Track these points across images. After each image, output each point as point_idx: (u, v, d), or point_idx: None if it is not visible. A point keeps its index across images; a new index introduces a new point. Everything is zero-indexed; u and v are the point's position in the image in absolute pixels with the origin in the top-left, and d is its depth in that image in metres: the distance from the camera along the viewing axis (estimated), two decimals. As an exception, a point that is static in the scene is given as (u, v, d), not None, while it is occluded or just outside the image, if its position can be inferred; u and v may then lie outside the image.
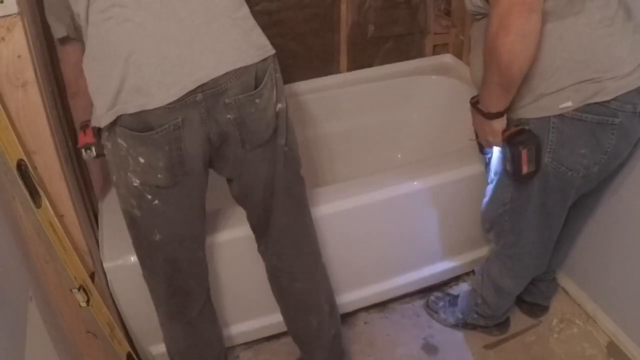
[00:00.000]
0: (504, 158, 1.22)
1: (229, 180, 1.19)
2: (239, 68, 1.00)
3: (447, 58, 2.14)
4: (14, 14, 0.88)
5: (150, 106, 0.95)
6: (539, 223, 1.31)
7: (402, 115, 2.08)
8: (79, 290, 1.10)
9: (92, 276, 1.16)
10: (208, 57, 0.98)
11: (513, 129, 1.17)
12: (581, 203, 1.37)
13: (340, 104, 1.97)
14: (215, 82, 0.99)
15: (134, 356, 1.34)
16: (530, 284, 1.54)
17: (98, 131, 1.03)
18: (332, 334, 1.43)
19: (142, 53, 0.94)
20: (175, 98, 0.95)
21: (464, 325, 1.65)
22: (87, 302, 1.12)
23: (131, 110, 0.95)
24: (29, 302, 0.94)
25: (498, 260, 1.45)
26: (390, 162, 2.06)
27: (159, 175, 1.03)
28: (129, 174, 1.03)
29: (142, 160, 1.00)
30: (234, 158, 1.11)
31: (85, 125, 1.06)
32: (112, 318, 1.23)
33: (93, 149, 1.06)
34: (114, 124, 0.97)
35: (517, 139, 1.15)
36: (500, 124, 1.18)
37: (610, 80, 1.07)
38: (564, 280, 1.75)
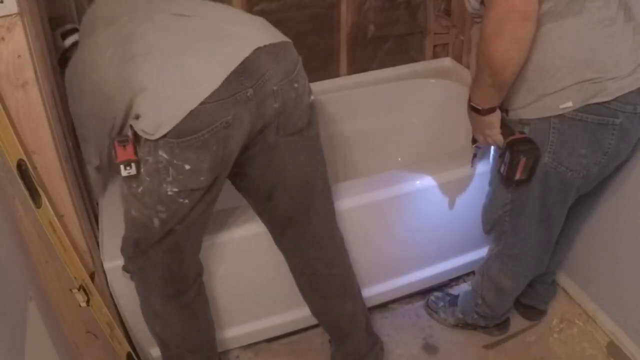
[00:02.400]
0: (500, 160, 1.23)
1: (250, 177, 1.17)
2: (278, 44, 1.03)
3: (447, 61, 2.14)
4: (14, 14, 0.88)
5: (204, 95, 0.93)
6: (539, 223, 1.31)
7: (401, 119, 2.08)
8: (79, 290, 1.10)
9: (92, 276, 1.16)
10: (243, 37, 1.01)
11: (518, 136, 1.17)
12: (581, 203, 1.37)
13: (339, 107, 1.97)
14: (259, 69, 0.99)
15: (134, 356, 1.34)
16: (528, 286, 1.54)
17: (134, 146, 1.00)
18: (365, 315, 1.46)
19: (180, 52, 0.96)
20: (225, 76, 0.94)
21: (464, 325, 1.65)
22: (87, 302, 1.12)
23: (189, 107, 0.93)
24: (29, 302, 0.94)
25: (498, 260, 1.45)
26: (391, 165, 2.04)
27: (201, 178, 1.01)
28: (164, 184, 1.01)
29: (187, 167, 0.99)
30: (264, 146, 1.10)
31: (125, 140, 1.00)
32: (112, 318, 1.23)
33: (134, 165, 1.00)
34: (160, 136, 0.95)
35: (520, 146, 1.16)
36: (495, 117, 1.19)
37: (610, 81, 1.07)
38: (564, 280, 1.75)
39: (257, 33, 1.03)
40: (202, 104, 0.94)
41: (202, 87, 0.94)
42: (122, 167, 0.99)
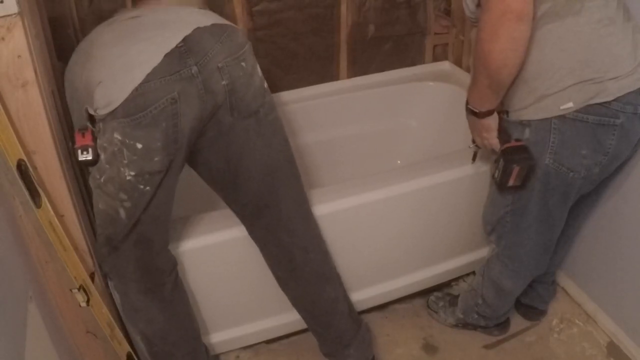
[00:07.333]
0: (495, 165, 1.23)
1: (212, 164, 1.20)
2: (222, 25, 1.09)
3: (446, 65, 2.15)
4: (14, 14, 0.88)
5: (146, 72, 0.98)
6: (540, 224, 1.31)
7: (400, 122, 2.08)
8: (79, 290, 1.10)
9: (92, 276, 1.16)
10: (184, 21, 1.06)
11: (514, 144, 1.17)
12: (581, 203, 1.37)
13: (339, 111, 1.98)
14: (203, 48, 1.04)
15: (134, 356, 1.34)
16: (529, 286, 1.54)
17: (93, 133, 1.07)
18: (347, 300, 1.46)
19: (125, 45, 1.02)
20: (165, 52, 0.99)
21: (464, 325, 1.65)
22: (87, 302, 1.12)
23: (132, 85, 0.98)
24: (29, 302, 0.94)
25: (499, 261, 1.45)
26: (390, 168, 2.06)
27: (155, 159, 1.05)
28: (122, 168, 1.05)
29: (139, 146, 1.03)
30: (221, 129, 1.13)
31: (85, 128, 1.07)
32: (112, 318, 1.23)
33: (90, 150, 1.07)
34: (111, 118, 1.00)
35: (514, 155, 1.16)
36: (492, 120, 1.19)
37: (611, 81, 1.07)
38: (564, 280, 1.75)
39: (199, 18, 1.08)
40: (146, 82, 0.99)
41: (143, 66, 0.99)
42: (79, 151, 1.06)
